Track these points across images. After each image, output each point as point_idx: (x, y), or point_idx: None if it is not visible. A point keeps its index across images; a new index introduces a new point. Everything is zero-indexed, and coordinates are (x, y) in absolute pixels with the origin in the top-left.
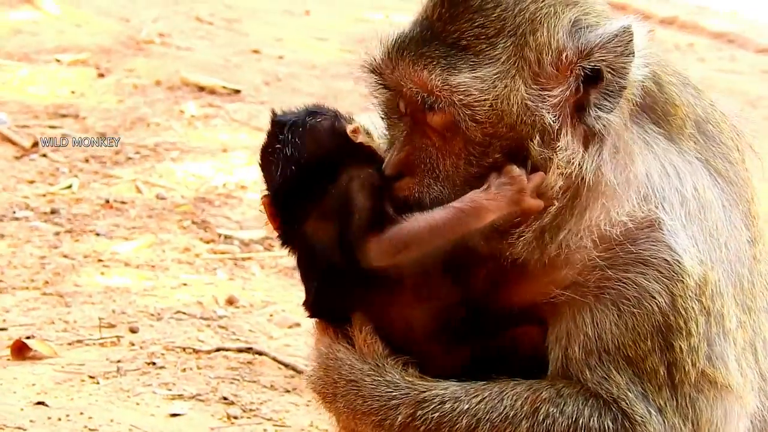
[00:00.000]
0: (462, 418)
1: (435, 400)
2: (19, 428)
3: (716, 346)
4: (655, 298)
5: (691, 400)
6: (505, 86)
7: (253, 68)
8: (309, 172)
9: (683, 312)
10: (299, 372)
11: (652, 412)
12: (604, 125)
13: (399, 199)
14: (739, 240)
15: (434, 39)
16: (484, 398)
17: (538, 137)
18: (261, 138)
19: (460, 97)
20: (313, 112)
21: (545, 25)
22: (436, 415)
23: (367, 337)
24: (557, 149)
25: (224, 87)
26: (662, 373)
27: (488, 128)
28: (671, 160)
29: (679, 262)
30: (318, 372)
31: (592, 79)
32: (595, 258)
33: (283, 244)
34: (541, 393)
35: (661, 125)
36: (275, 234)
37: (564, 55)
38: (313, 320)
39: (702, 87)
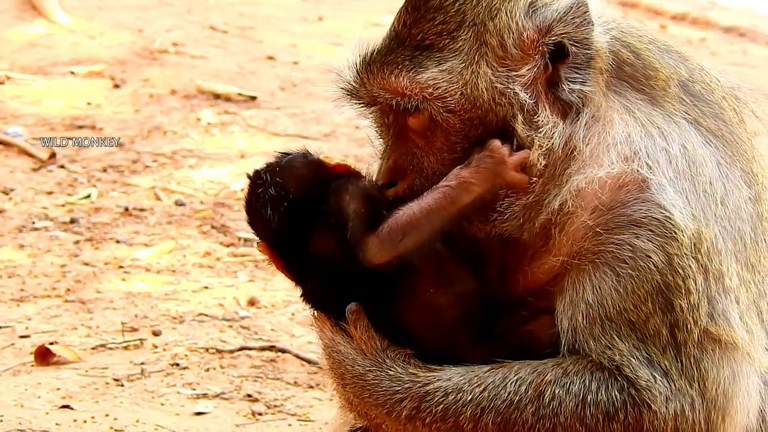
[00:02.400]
0: (466, 409)
1: (438, 393)
2: (45, 431)
3: (718, 304)
4: (650, 257)
5: (695, 360)
6: (472, 72)
7: (268, 74)
8: (300, 204)
9: (680, 270)
10: (322, 368)
11: (657, 376)
12: (579, 97)
13: (394, 203)
14: (739, 197)
15: (399, 46)
16: (487, 386)
17: (520, 117)
18: (279, 144)
19: (430, 91)
20: (284, 153)
21: (503, 10)
22: (440, 407)
23: (364, 332)
24: (539, 126)
25: (240, 94)
26: (665, 335)
27: (464, 115)
28: (655, 122)
29: (670, 219)
30: (326, 363)
31: (559, 55)
32: (588, 224)
33: (296, 283)
34: (546, 375)
35: (644, 91)
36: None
37: (525, 35)
38: (312, 313)
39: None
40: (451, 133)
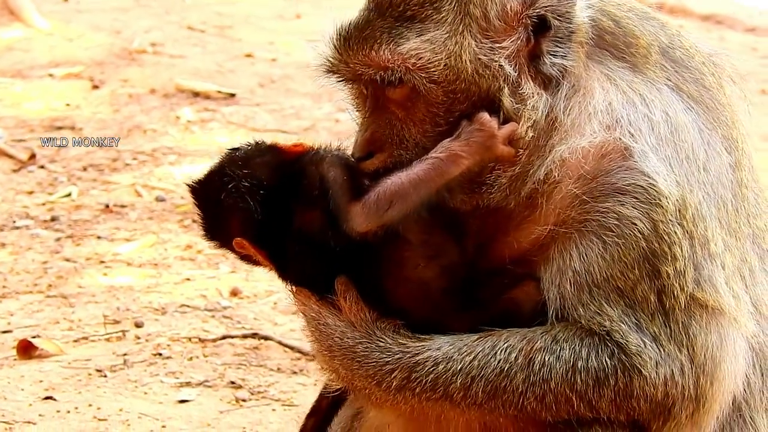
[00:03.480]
0: (456, 378)
1: (428, 363)
2: (29, 422)
3: (704, 270)
4: (635, 224)
5: (683, 326)
6: (456, 43)
7: (246, 72)
8: (275, 188)
9: (666, 237)
10: (305, 354)
11: (647, 341)
12: (559, 70)
13: (371, 174)
14: (720, 163)
15: (378, 18)
16: (477, 355)
17: (506, 89)
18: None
19: (413, 61)
20: (234, 148)
21: None
22: (431, 377)
23: (353, 304)
24: (524, 98)
25: (219, 91)
26: (653, 301)
27: (447, 86)
28: (637, 89)
29: (654, 186)
30: (313, 336)
31: (541, 28)
32: (574, 193)
33: (279, 271)
34: (536, 343)
35: (624, 59)
36: (270, 270)
37: (509, 7)
38: (290, 290)
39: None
40: (433, 105)
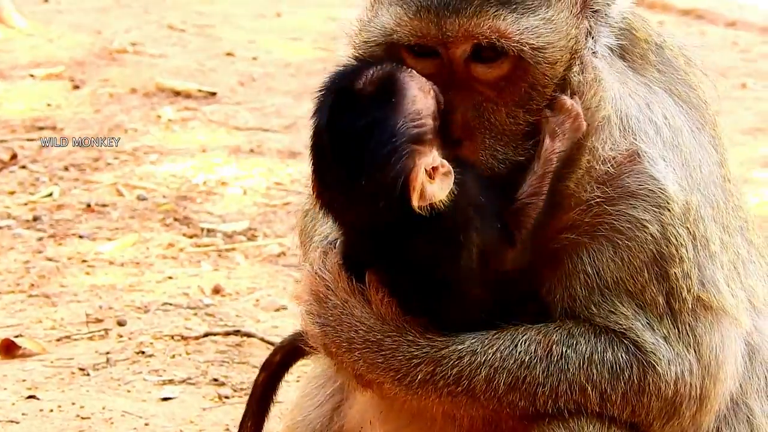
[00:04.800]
0: (480, 370)
1: (453, 356)
2: (12, 422)
3: (707, 271)
4: (646, 227)
5: (690, 327)
6: (565, 23)
7: (227, 71)
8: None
9: (673, 239)
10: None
11: (659, 340)
12: (597, 58)
13: (467, 163)
14: (710, 162)
15: None
16: (499, 347)
17: (576, 65)
18: (240, 137)
19: (532, 38)
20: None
21: None
22: (455, 370)
23: (385, 297)
24: (588, 74)
25: (200, 90)
26: (662, 303)
27: (557, 68)
28: (640, 91)
29: (664, 190)
30: (329, 325)
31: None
32: (589, 197)
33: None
34: (552, 336)
35: (626, 58)
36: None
37: None
38: (317, 270)
39: None
40: (535, 87)
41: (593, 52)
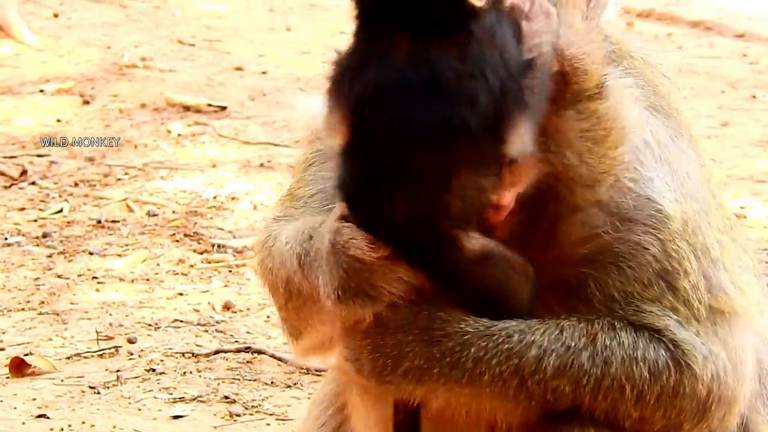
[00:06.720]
0: (531, 349)
1: (503, 333)
2: None
3: (712, 278)
4: (648, 249)
5: (713, 331)
6: None
7: (237, 85)
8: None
9: (675, 254)
10: (299, 368)
11: (694, 337)
12: None
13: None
14: (694, 167)
15: None
16: (546, 331)
17: None
18: (251, 152)
19: None
20: None
21: None
22: (506, 346)
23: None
24: None
25: (209, 105)
26: (682, 309)
27: None
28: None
29: (662, 211)
30: (415, 351)
31: None
32: (592, 226)
33: None
34: (595, 325)
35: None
36: None
37: None
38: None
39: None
40: None
41: None
